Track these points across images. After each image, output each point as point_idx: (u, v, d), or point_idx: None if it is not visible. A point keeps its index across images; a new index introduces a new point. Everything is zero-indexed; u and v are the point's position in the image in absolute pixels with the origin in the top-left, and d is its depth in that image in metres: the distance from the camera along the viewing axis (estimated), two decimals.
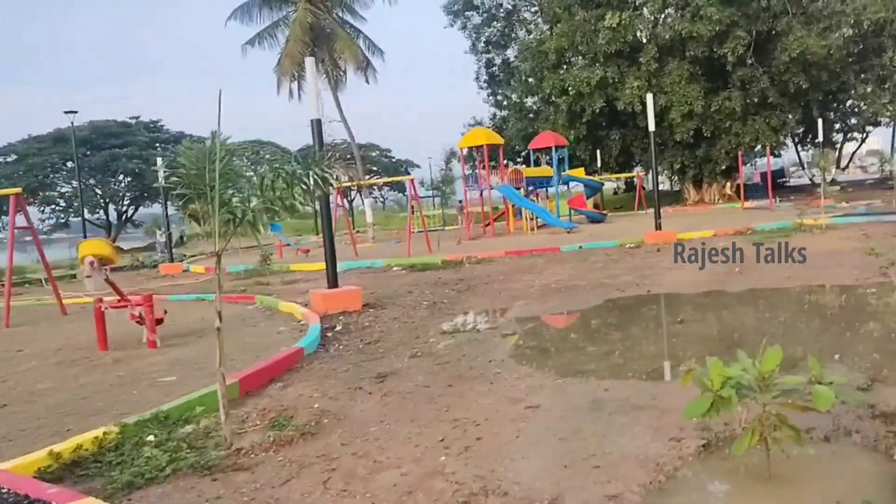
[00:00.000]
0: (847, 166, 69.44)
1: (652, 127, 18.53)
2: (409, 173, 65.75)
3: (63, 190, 55.56)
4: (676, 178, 41.95)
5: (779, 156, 50.71)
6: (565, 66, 37.39)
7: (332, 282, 11.56)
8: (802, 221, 18.09)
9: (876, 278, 9.61)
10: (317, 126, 10.89)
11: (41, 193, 53.36)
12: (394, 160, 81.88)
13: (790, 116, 35.12)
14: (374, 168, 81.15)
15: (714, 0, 32.03)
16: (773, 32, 33.54)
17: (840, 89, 35.70)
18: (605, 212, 33.04)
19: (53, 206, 55.44)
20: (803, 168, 56.90)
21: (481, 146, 27.06)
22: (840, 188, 42.48)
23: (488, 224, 29.59)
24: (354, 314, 10.47)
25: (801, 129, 45.82)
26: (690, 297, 10.07)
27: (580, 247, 18.46)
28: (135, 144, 52.80)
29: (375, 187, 76.43)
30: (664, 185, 49.26)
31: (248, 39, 32.91)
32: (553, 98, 38.37)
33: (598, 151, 39.52)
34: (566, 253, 17.72)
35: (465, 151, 29.74)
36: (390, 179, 22.82)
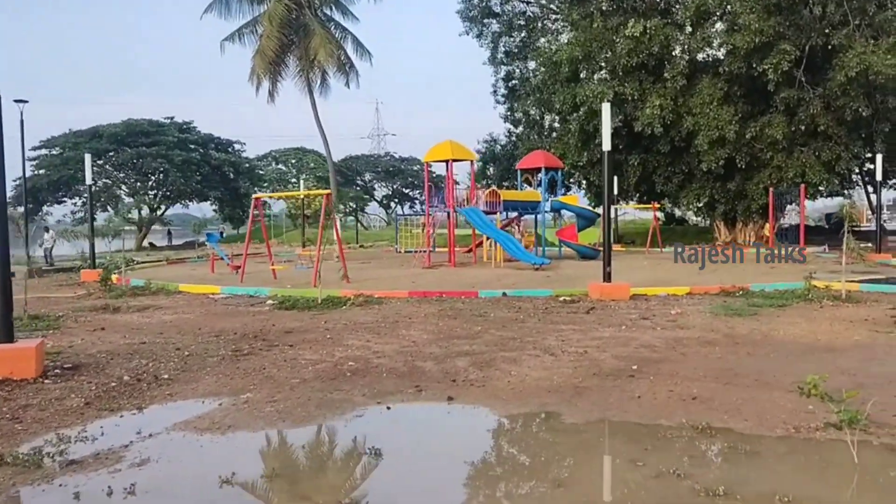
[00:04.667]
0: None
1: (607, 146, 13.80)
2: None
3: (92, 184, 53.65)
4: (704, 213, 36.47)
5: (849, 196, 44.70)
6: (582, 80, 32.43)
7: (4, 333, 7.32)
8: (810, 285, 13.14)
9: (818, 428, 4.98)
10: None
11: (72, 187, 51.63)
12: (434, 175, 78.16)
13: (846, 149, 29.10)
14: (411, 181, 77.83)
15: (756, 7, 26.71)
16: (830, 47, 27.71)
17: None
18: (599, 247, 28.11)
19: (84, 200, 53.42)
20: (873, 212, 49.93)
21: (447, 161, 22.56)
22: None
23: (469, 250, 25.26)
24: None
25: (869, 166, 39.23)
26: (465, 425, 5.58)
27: (504, 293, 13.89)
28: (162, 144, 50.70)
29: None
30: (694, 219, 44.12)
31: (227, 35, 29.26)
32: (565, 115, 33.67)
33: (615, 178, 34.48)
34: (482, 300, 13.21)
35: (430, 166, 25.11)
36: (305, 193, 18.46)
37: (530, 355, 7.82)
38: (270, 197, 19.00)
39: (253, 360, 7.60)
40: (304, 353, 8.02)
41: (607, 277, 13.64)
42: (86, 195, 50.51)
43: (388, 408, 5.82)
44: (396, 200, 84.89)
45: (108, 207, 47.76)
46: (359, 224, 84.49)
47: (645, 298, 13.41)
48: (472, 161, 23.95)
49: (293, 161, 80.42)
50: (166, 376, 7.03)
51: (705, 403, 5.90)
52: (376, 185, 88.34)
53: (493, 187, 25.56)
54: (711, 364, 7.44)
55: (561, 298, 13.30)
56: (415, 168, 73.08)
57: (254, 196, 18.20)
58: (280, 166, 78.43)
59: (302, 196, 17.26)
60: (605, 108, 13.86)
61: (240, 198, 52.65)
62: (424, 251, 22.68)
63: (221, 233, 26.64)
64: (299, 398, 6.07)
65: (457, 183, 44.09)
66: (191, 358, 7.82)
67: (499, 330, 9.60)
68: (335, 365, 7.34)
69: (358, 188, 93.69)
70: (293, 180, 72.45)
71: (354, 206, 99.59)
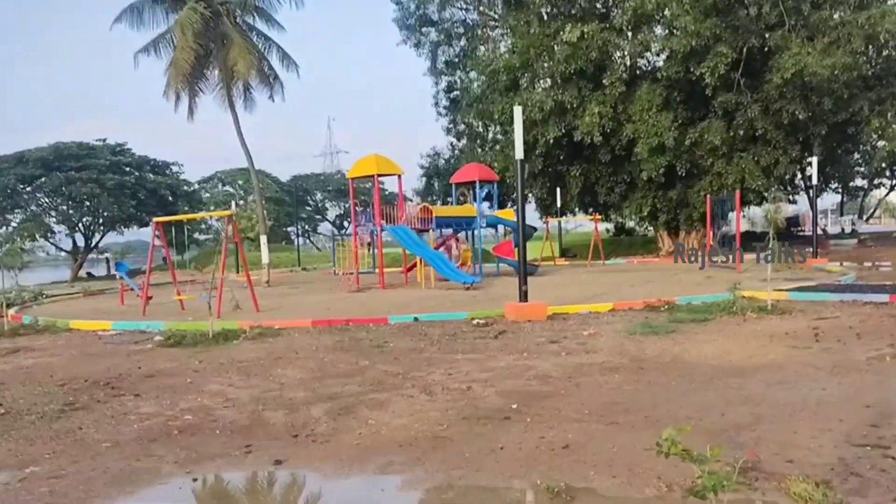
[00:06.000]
0: (871, 216, 62.68)
1: (520, 154, 13.12)
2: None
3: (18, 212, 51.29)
4: (647, 223, 35.98)
5: (794, 202, 44.60)
6: (521, 89, 31.70)
7: None
8: (736, 296, 12.52)
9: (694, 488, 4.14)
10: None
11: None
12: (387, 192, 77.11)
13: (784, 153, 28.66)
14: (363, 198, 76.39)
15: (692, 9, 26.16)
16: (767, 49, 27.32)
17: (849, 121, 29.04)
18: (537, 262, 27.46)
19: (11, 229, 51.01)
20: (816, 217, 50.29)
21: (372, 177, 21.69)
22: (858, 241, 36.61)
23: (410, 269, 24.39)
24: None
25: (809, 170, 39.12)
26: None
27: (416, 318, 13.03)
28: (93, 168, 48.62)
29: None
30: (640, 230, 43.76)
31: (142, 47, 27.81)
32: (505, 126, 32.96)
33: (557, 189, 33.88)
34: (389, 328, 12.32)
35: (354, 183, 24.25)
36: (207, 214, 17.42)
37: (403, 396, 6.93)
38: (170, 221, 17.84)
39: (76, 418, 6.58)
40: (144, 405, 7.02)
41: (524, 297, 12.85)
42: (14, 223, 49.00)
43: (195, 479, 4.88)
44: (349, 220, 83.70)
45: (37, 237, 45.76)
46: (313, 246, 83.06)
47: (564, 318, 12.67)
48: (399, 176, 23.07)
49: (240, 182, 78.80)
50: None
51: (576, 454, 5.08)
52: (328, 205, 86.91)
53: (426, 204, 24.69)
54: (603, 397, 6.65)
55: (475, 321, 12.48)
56: (367, 186, 71.61)
57: (153, 220, 17.10)
58: (227, 188, 76.55)
59: (199, 218, 16.11)
60: (517, 112, 13.20)
61: (182, 222, 50.96)
62: (352, 273, 21.67)
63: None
64: (94, 471, 5.09)
65: (409, 199, 43.20)
66: (4, 417, 6.77)
67: (388, 364, 8.71)
68: (169, 420, 6.37)
69: (309, 208, 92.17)
70: (241, 202, 70.72)
71: (306, 227, 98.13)
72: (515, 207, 33.20)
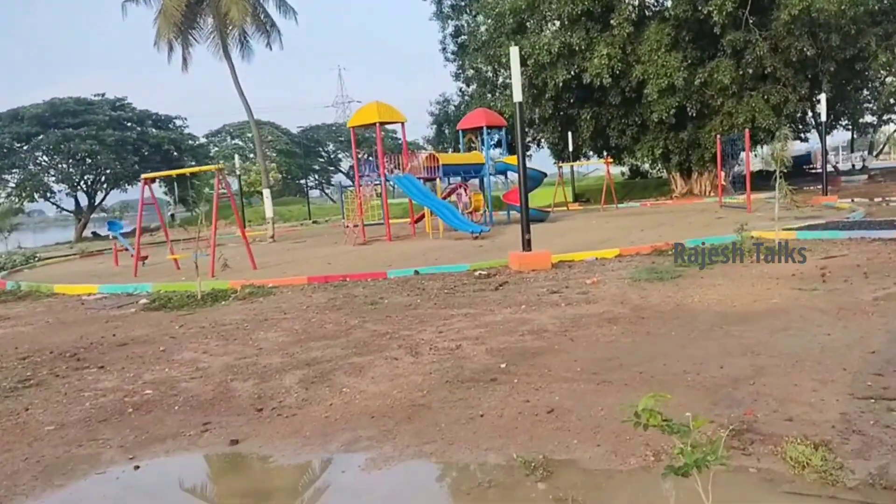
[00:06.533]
0: (881, 152, 61.64)
1: (518, 96, 12.49)
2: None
3: (16, 172, 50.75)
4: (660, 165, 35.19)
5: (805, 140, 43.78)
6: (528, 31, 30.68)
7: None
8: (743, 237, 11.96)
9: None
10: None
11: None
12: (398, 142, 75.98)
13: (794, 91, 27.89)
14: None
15: None
16: None
17: (857, 57, 28.15)
18: (548, 209, 26.87)
19: (10, 191, 50.54)
20: (826, 154, 49.11)
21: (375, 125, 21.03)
22: (868, 177, 35.95)
23: (418, 220, 23.93)
24: None
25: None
26: None
27: (416, 272, 12.56)
28: (92, 124, 47.67)
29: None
30: (654, 172, 42.93)
31: None
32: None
33: (569, 134, 33.08)
34: (387, 282, 11.86)
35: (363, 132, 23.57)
36: (194, 170, 16.94)
37: (387, 359, 6.49)
38: (158, 176, 17.34)
39: (27, 397, 6.14)
40: (105, 378, 6.59)
41: (527, 246, 12.35)
42: (11, 184, 48.58)
43: (137, 468, 4.45)
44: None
45: (36, 197, 45.30)
46: (328, 198, 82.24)
47: (568, 266, 12.19)
48: (402, 123, 22.42)
49: (249, 135, 77.97)
50: None
51: (560, 419, 4.62)
52: (341, 156, 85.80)
53: (432, 151, 24.05)
54: (598, 352, 6.19)
55: (477, 273, 12.01)
56: (373, 136, 70.22)
57: (142, 177, 16.61)
58: (236, 141, 75.71)
59: (188, 173, 15.64)
60: (514, 53, 12.50)
61: (185, 177, 50.42)
62: (357, 226, 21.20)
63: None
64: (26, 460, 4.67)
65: (422, 148, 42.17)
66: None
67: (377, 323, 8.27)
68: (126, 396, 5.92)
69: (321, 160, 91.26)
70: (251, 154, 69.93)
71: (319, 179, 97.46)
72: (514, 153, 32.47)
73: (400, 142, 72.31)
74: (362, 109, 21.50)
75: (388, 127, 77.45)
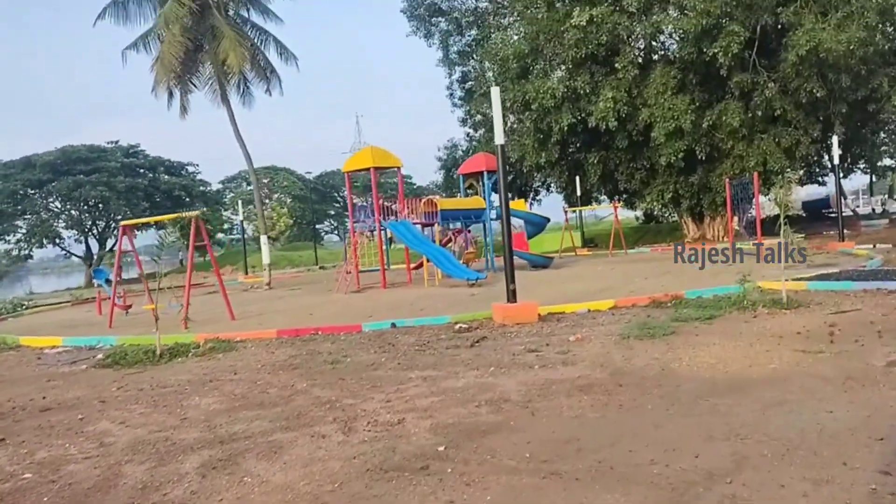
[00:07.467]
0: None
1: (499, 138, 11.79)
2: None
3: (28, 218, 50.91)
4: (670, 209, 34.41)
5: (823, 184, 42.84)
6: (532, 75, 30.25)
7: None
8: (746, 289, 11.10)
9: None
10: None
11: (2, 225, 48.95)
12: (414, 186, 75.74)
13: (805, 133, 27.16)
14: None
15: None
16: (780, 26, 25.94)
17: (870, 98, 27.36)
18: (552, 255, 26.05)
19: (19, 237, 50.61)
20: (844, 198, 47.91)
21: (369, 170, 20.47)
22: (889, 221, 34.94)
23: (418, 266, 23.21)
24: None
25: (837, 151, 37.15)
26: None
27: (393, 324, 11.75)
28: (104, 170, 48.02)
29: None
30: (665, 217, 42.03)
31: (130, 43, 26.91)
32: (518, 114, 31.63)
33: (577, 178, 32.43)
34: (359, 337, 11.07)
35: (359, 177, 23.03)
36: (170, 217, 16.29)
37: (314, 436, 5.64)
38: (137, 223, 16.80)
39: None
40: None
41: (512, 296, 11.51)
42: (22, 230, 48.66)
43: None
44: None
45: (45, 243, 45.42)
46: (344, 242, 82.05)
47: (557, 319, 11.34)
48: (398, 168, 21.84)
49: (265, 181, 78.10)
50: None
51: None
52: (356, 200, 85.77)
53: (430, 197, 23.43)
54: (558, 431, 5.33)
55: (457, 326, 11.18)
56: (394, 181, 70.59)
57: (121, 224, 16.09)
58: (252, 187, 76.28)
59: (167, 220, 15.05)
60: (495, 94, 11.84)
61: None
62: (351, 272, 20.48)
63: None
64: None
65: (435, 194, 41.70)
66: None
67: (326, 388, 7.45)
68: (0, 480, 5.14)
69: (337, 204, 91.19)
70: (266, 200, 69.94)
71: (335, 223, 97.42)
72: (525, 199, 31.46)
73: (415, 186, 72.04)
74: (357, 155, 21.09)
75: (403, 172, 77.12)
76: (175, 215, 16.36)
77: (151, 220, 16.43)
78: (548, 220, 26.11)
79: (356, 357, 9.16)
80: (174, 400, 7.38)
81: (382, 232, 21.43)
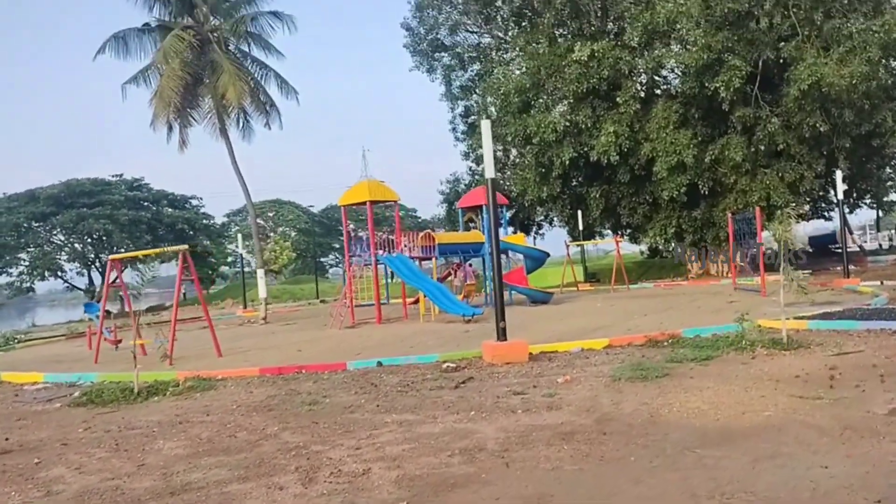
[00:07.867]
0: None
1: (490, 172, 11.54)
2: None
3: (31, 251, 50.94)
4: (672, 245, 34.03)
5: (829, 219, 42.56)
6: (534, 109, 30.14)
7: None
8: (745, 328, 10.73)
9: None
10: None
11: (5, 257, 49.00)
12: (419, 220, 75.62)
13: (809, 168, 26.91)
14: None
15: (703, 21, 24.75)
16: (782, 61, 25.81)
17: (874, 133, 27.09)
18: (552, 290, 25.70)
19: (21, 270, 50.57)
20: (850, 233, 47.45)
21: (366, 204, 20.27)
22: None
23: (414, 302, 22.92)
24: None
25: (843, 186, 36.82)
26: None
27: (379, 363, 11.41)
28: (107, 204, 48.14)
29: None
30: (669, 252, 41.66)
31: (130, 77, 26.96)
32: (519, 148, 31.54)
33: (579, 212, 32.17)
34: (343, 376, 10.73)
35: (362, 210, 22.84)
36: (158, 251, 16.13)
37: (270, 487, 5.30)
38: (125, 257, 16.61)
39: None
40: None
41: (502, 335, 11.16)
42: (25, 262, 48.69)
43: None
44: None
45: (47, 276, 45.41)
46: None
47: (548, 358, 10.99)
48: (395, 202, 21.64)
49: (270, 214, 78.17)
50: None
51: None
52: (361, 234, 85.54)
53: (428, 231, 23.19)
54: (530, 485, 4.97)
55: (445, 365, 10.83)
56: (388, 213, 70.85)
57: (109, 258, 15.88)
58: (257, 220, 76.47)
59: (154, 254, 14.84)
60: (485, 126, 11.61)
61: (198, 256, 50.28)
62: (345, 307, 20.20)
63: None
64: None
65: (440, 228, 41.63)
66: None
67: (296, 432, 7.11)
68: None
69: (342, 237, 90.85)
70: (271, 234, 70.05)
71: (339, 257, 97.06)
72: (527, 233, 31.04)
73: (420, 220, 71.78)
74: (353, 188, 20.87)
75: (408, 205, 76.85)
76: (160, 250, 16.16)
77: (139, 253, 16.22)
78: (547, 254, 25.79)
79: (335, 398, 8.82)
80: (137, 443, 7.04)
81: (381, 266, 21.19)
